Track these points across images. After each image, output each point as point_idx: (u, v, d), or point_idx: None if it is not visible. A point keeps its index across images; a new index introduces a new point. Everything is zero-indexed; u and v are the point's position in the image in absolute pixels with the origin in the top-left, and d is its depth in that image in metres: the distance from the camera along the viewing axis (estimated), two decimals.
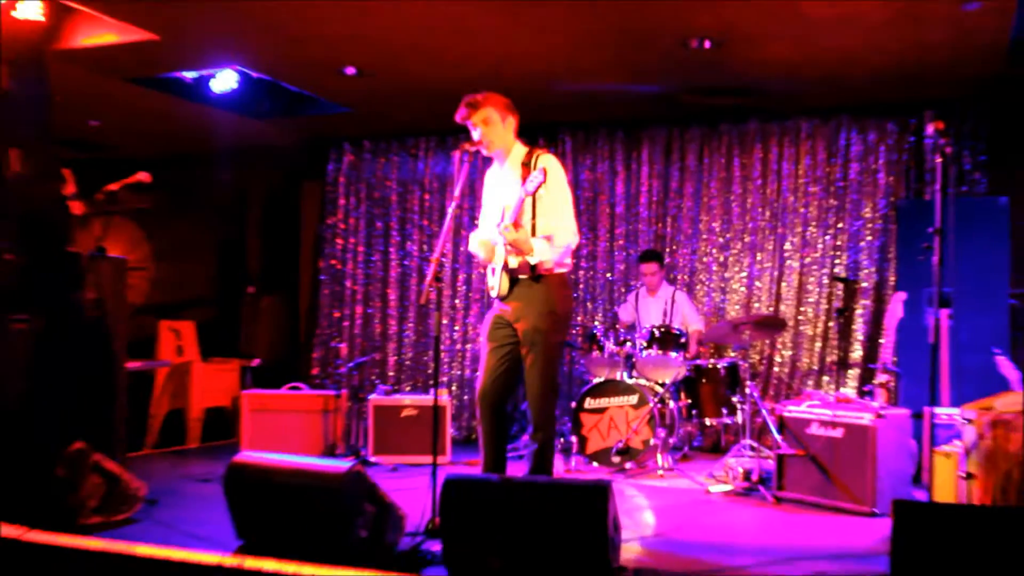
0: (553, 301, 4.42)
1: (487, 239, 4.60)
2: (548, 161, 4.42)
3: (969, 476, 4.02)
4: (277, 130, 8.26)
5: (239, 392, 7.41)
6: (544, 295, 4.42)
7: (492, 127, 4.47)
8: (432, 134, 8.44)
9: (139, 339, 7.43)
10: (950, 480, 4.26)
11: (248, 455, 4.01)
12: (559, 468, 6.06)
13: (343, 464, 3.73)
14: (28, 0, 4.94)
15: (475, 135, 4.50)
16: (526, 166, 4.43)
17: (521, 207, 4.34)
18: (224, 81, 6.76)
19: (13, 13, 4.91)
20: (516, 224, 4.30)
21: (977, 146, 6.87)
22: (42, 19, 4.99)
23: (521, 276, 4.45)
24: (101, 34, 5.81)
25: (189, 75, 6.77)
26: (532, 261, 4.37)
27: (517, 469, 5.91)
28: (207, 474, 5.99)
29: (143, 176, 5.21)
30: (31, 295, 4.68)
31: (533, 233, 4.41)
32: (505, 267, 4.47)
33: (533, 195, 4.30)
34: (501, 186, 4.60)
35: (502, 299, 4.51)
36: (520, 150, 4.55)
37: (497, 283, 4.51)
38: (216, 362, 7.95)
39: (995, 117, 6.85)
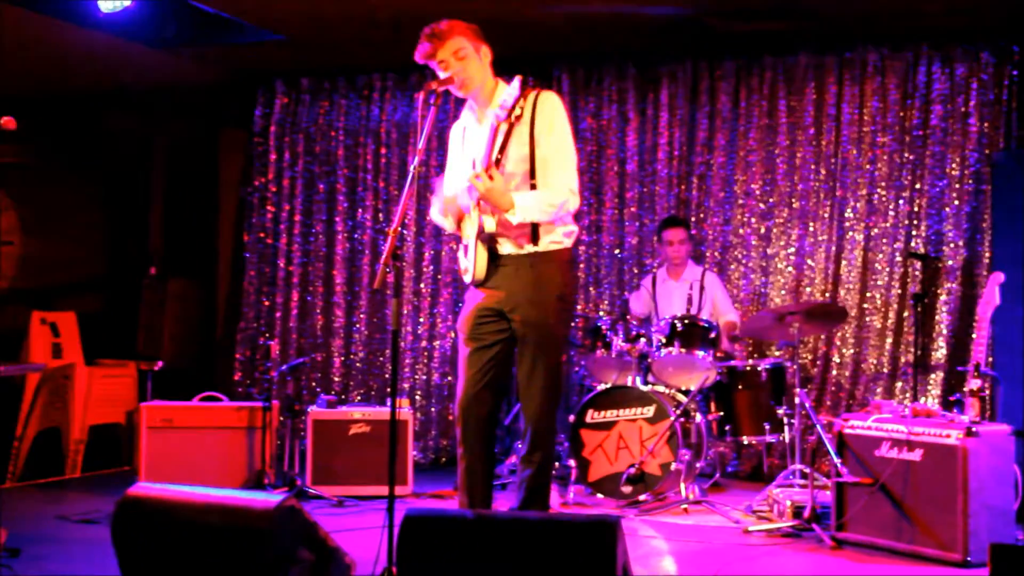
0: (557, 283, 4.43)
1: (453, 201, 4.57)
2: (546, 99, 4.41)
3: None
4: (188, 64, 8.19)
5: (136, 405, 7.36)
6: (544, 276, 4.42)
7: (468, 62, 4.46)
8: (391, 70, 8.40)
9: (2, 335, 7.34)
10: None
11: (146, 487, 3.96)
12: (554, 500, 6.01)
13: (273, 498, 3.71)
14: None
15: (444, 75, 4.46)
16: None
17: (493, 144, 4.30)
18: None
19: None
20: (488, 170, 4.25)
21: None
22: None
23: (504, 250, 4.41)
24: None
25: None
26: (513, 221, 4.33)
27: (501, 502, 5.85)
28: (91, 513, 5.94)
29: (7, 122, 5.10)
30: None
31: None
32: (480, 235, 4.40)
33: (509, 123, 4.27)
34: (476, 137, 4.58)
35: (478, 285, 4.47)
36: (506, 91, 4.47)
37: (472, 263, 4.45)
38: (106, 365, 7.88)
39: None
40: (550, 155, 4.40)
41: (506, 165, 4.35)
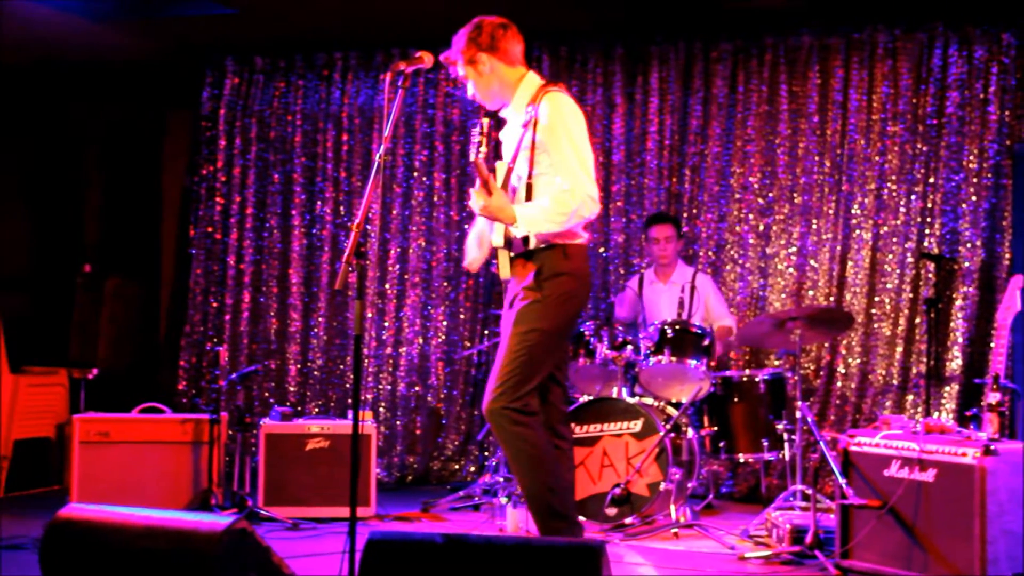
0: (541, 278, 4.61)
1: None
2: (550, 100, 4.61)
3: None
4: (125, 37, 8.16)
5: (68, 417, 7.34)
6: (534, 273, 4.64)
7: (475, 82, 4.76)
8: (354, 47, 8.40)
9: None
10: None
11: (79, 509, 3.96)
12: (529, 525, 6.00)
13: (221, 520, 3.72)
14: None
15: (469, 92, 4.83)
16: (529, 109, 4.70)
17: (514, 156, 4.63)
18: None
19: None
20: (487, 186, 4.46)
21: None
22: None
23: (514, 253, 4.71)
24: None
25: None
26: (518, 234, 4.59)
27: (474, 525, 5.84)
28: (16, 538, 5.89)
29: None
30: None
31: (528, 196, 4.61)
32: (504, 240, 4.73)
33: (477, 161, 4.49)
34: (507, 138, 4.87)
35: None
36: (530, 83, 4.78)
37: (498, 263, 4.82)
38: (34, 373, 7.84)
39: None
40: (559, 160, 4.57)
41: (515, 169, 4.65)
